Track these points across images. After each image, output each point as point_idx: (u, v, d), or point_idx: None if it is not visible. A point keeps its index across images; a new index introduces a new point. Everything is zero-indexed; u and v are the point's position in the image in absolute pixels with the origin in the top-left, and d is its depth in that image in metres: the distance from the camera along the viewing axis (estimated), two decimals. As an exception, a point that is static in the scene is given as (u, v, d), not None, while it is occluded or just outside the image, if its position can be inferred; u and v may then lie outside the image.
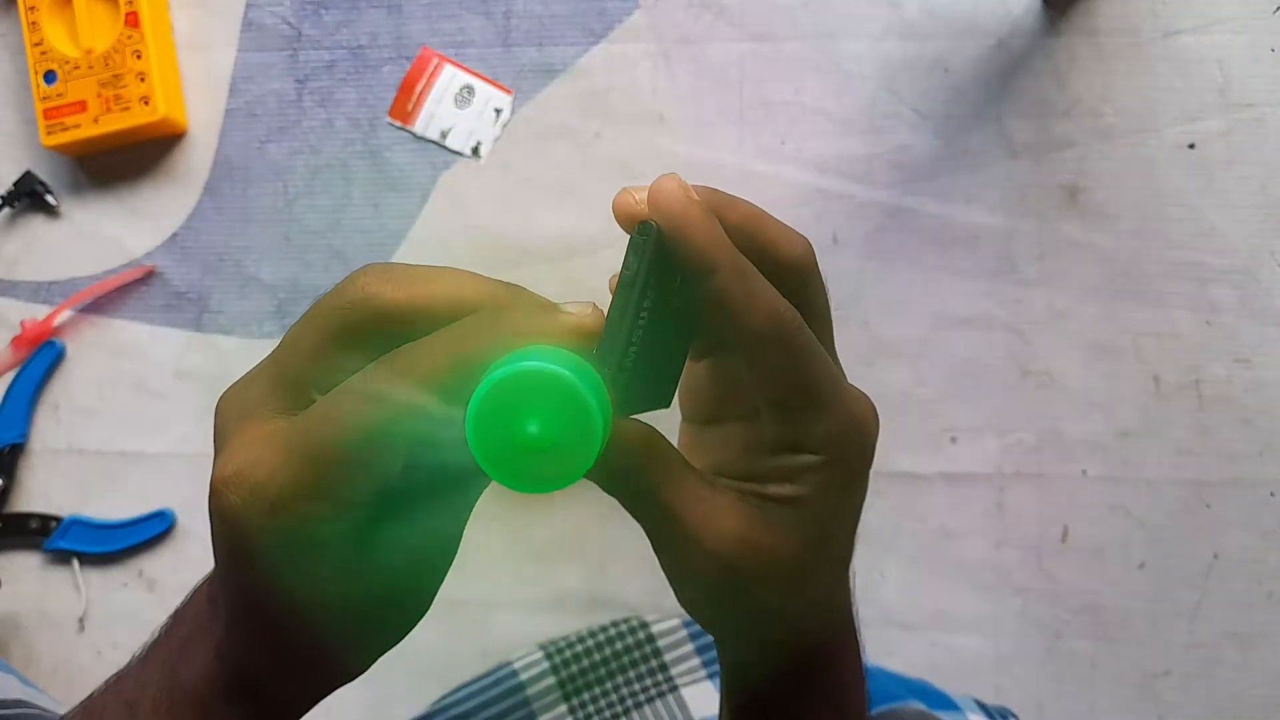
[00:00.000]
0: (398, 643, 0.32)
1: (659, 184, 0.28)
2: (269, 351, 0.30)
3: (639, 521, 0.31)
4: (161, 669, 0.33)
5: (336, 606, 0.29)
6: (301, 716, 0.33)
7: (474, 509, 0.32)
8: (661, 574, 0.32)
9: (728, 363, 0.34)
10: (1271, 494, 0.67)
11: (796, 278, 0.30)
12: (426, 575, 0.31)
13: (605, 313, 0.28)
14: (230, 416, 0.29)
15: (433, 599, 0.32)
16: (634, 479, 0.29)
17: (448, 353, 0.27)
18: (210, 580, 0.33)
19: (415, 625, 0.32)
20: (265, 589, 0.29)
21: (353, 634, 0.31)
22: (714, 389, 0.34)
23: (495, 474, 0.25)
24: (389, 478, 0.28)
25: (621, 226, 0.29)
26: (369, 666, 0.33)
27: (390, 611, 0.31)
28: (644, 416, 0.30)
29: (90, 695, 0.35)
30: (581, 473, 0.26)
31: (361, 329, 0.28)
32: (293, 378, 0.29)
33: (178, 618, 0.34)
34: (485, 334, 0.27)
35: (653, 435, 0.29)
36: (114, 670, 0.35)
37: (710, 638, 0.65)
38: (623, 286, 0.28)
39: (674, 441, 0.32)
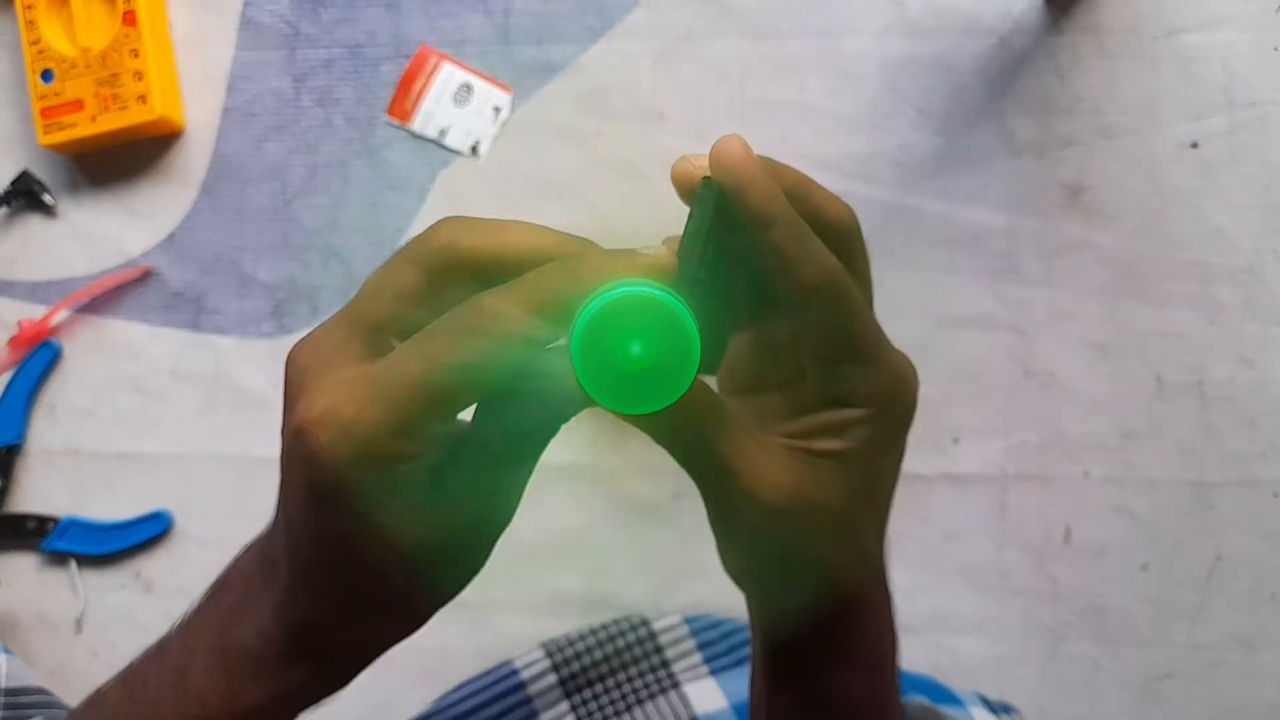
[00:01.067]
0: (460, 590, 0.33)
1: (723, 143, 0.29)
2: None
3: (692, 474, 0.32)
4: (210, 634, 0.33)
5: (413, 548, 0.30)
6: (355, 675, 0.34)
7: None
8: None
9: (766, 333, 0.35)
10: (1275, 495, 0.67)
11: (842, 240, 0.32)
12: (493, 520, 0.32)
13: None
14: (306, 365, 0.30)
15: (494, 544, 0.33)
16: (689, 431, 0.30)
17: (537, 291, 0.28)
18: (263, 541, 0.33)
19: (478, 571, 0.33)
20: (347, 532, 0.29)
21: (424, 578, 0.31)
22: (753, 359, 0.35)
23: (601, 396, 0.27)
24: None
25: (679, 192, 0.31)
26: (430, 617, 0.33)
27: (459, 555, 0.32)
28: None
29: (129, 665, 0.35)
30: (682, 390, 0.27)
31: (444, 276, 0.30)
32: (372, 325, 0.30)
33: (223, 584, 0.34)
34: (572, 273, 0.28)
35: (707, 389, 0.30)
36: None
37: (711, 635, 0.66)
38: (688, 236, 0.30)
39: None
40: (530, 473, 0.32)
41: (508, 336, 0.27)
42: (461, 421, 0.31)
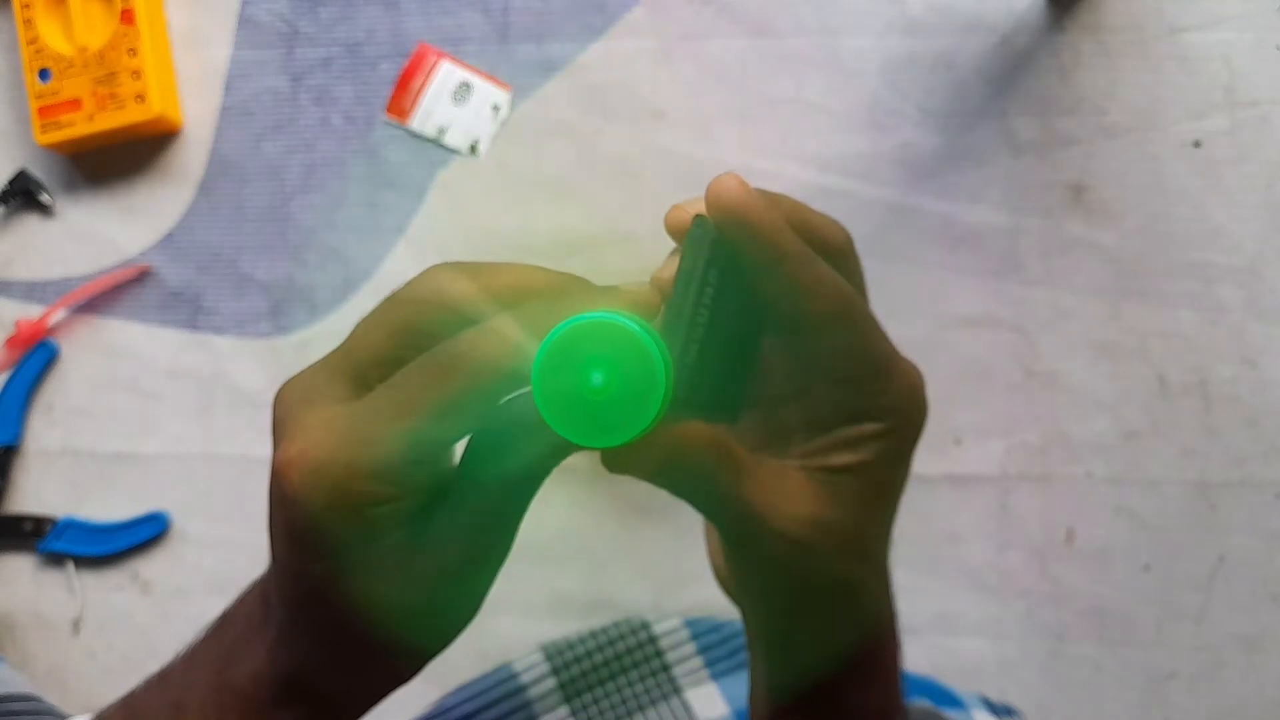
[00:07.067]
0: (450, 642, 0.33)
1: (720, 182, 0.29)
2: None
3: (711, 520, 0.31)
4: (209, 669, 0.33)
5: (394, 596, 0.29)
6: None
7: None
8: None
9: (767, 356, 0.34)
10: (1278, 495, 0.67)
11: (840, 261, 0.32)
12: (481, 570, 0.31)
13: (664, 299, 0.29)
14: (291, 404, 0.30)
15: (484, 596, 0.32)
16: (706, 482, 0.30)
17: (512, 328, 0.27)
18: (264, 579, 0.33)
19: (468, 623, 0.33)
20: (325, 576, 0.29)
21: (408, 628, 0.31)
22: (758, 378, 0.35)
23: (564, 429, 0.26)
24: (450, 460, 0.29)
25: (674, 239, 0.31)
26: (422, 667, 0.33)
27: (444, 607, 0.31)
28: None
29: (130, 693, 0.35)
30: (648, 421, 0.25)
31: (431, 320, 0.29)
32: (357, 367, 0.29)
33: (227, 618, 0.34)
34: (549, 310, 0.27)
35: (717, 433, 0.30)
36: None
37: (713, 638, 0.65)
38: (682, 275, 0.29)
39: None
40: (516, 523, 0.31)
41: (481, 374, 0.27)
42: (446, 467, 0.30)
